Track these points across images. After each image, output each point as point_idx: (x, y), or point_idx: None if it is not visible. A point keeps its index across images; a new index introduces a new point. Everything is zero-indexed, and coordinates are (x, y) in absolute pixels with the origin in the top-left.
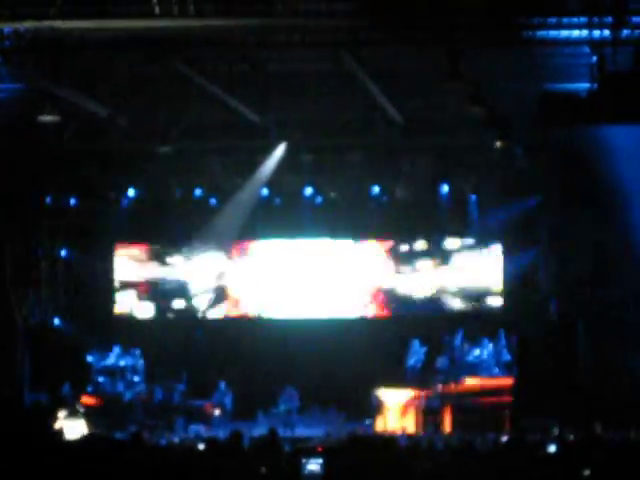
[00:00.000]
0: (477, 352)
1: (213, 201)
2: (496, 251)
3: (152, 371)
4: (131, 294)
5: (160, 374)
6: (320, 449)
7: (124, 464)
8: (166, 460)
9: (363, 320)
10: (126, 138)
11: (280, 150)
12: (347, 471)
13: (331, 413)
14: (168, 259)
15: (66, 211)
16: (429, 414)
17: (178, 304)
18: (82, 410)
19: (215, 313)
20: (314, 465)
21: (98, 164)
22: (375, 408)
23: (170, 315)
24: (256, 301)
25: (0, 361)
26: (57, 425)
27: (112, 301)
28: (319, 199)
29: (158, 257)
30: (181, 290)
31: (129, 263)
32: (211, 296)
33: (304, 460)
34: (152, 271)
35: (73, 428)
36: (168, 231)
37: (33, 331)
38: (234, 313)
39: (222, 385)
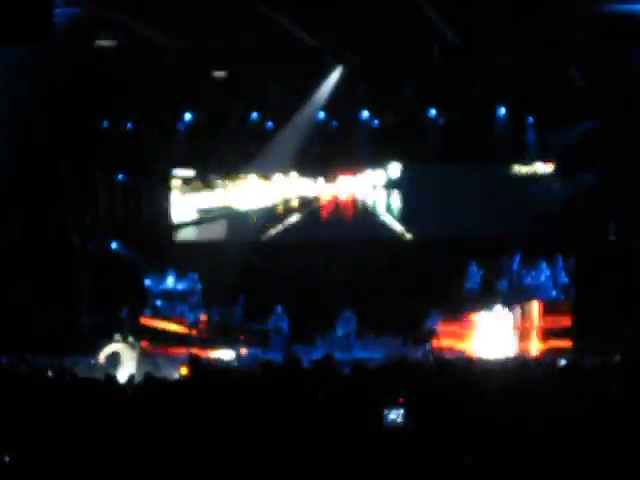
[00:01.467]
0: (535, 275)
1: (269, 125)
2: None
3: (210, 295)
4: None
5: (217, 298)
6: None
7: (182, 391)
8: (224, 383)
9: (420, 243)
10: (181, 62)
11: (336, 74)
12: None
13: (388, 337)
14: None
15: (122, 135)
16: None
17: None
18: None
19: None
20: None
21: (154, 88)
22: (432, 332)
23: (226, 239)
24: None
25: (58, 285)
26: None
27: (169, 225)
28: (375, 123)
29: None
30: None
31: (184, 187)
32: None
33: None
34: (206, 197)
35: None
36: (224, 155)
37: (91, 255)
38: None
39: (279, 309)
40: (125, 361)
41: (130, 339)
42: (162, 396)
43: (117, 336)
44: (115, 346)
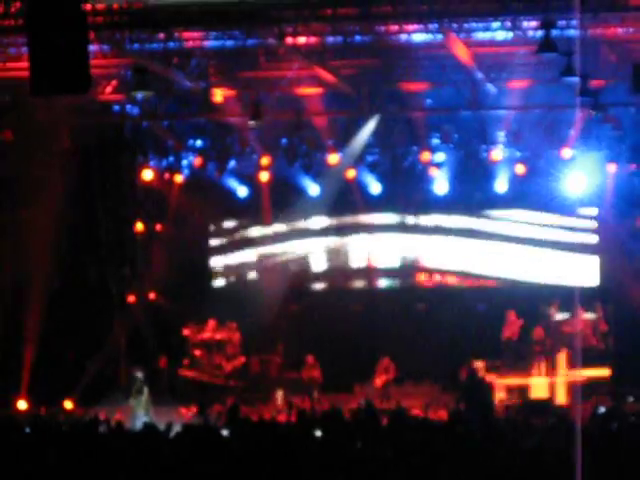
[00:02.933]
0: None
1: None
2: None
3: (248, 344)
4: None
5: (256, 347)
6: None
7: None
8: (261, 434)
9: (458, 289)
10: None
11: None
12: None
13: (426, 385)
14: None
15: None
16: None
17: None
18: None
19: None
20: None
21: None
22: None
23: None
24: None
25: (96, 335)
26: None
27: (208, 275)
28: None
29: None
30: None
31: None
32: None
33: None
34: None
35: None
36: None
37: (129, 306)
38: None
39: (310, 358)
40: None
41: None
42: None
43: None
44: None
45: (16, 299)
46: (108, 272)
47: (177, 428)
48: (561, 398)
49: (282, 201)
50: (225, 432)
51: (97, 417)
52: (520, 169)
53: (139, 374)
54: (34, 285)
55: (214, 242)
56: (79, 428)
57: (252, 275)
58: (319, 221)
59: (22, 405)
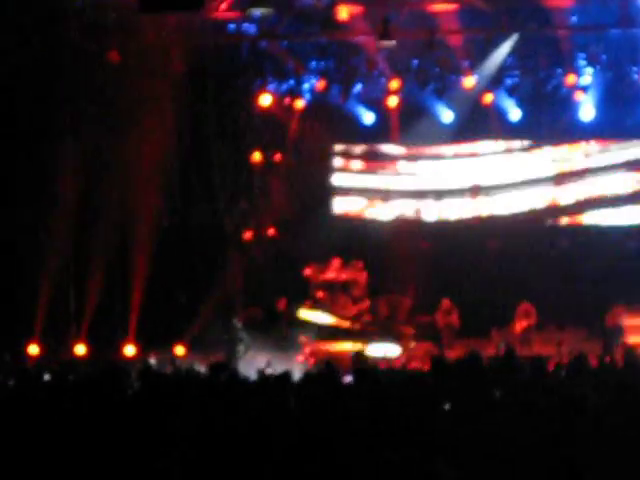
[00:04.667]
0: None
1: None
2: None
3: (375, 285)
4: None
5: (384, 288)
6: None
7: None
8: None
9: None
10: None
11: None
12: None
13: (569, 330)
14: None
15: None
16: None
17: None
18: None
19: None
20: None
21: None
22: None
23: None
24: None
25: (209, 277)
26: None
27: (332, 209)
28: None
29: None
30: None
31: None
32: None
33: None
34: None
35: None
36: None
37: (245, 243)
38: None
39: (446, 302)
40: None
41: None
42: None
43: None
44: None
45: (123, 238)
46: (222, 207)
47: (296, 376)
48: None
49: (412, 128)
50: (348, 379)
51: (220, 363)
52: None
53: (238, 323)
54: (142, 222)
55: (338, 175)
56: (194, 376)
57: (379, 210)
58: (453, 149)
59: (130, 351)
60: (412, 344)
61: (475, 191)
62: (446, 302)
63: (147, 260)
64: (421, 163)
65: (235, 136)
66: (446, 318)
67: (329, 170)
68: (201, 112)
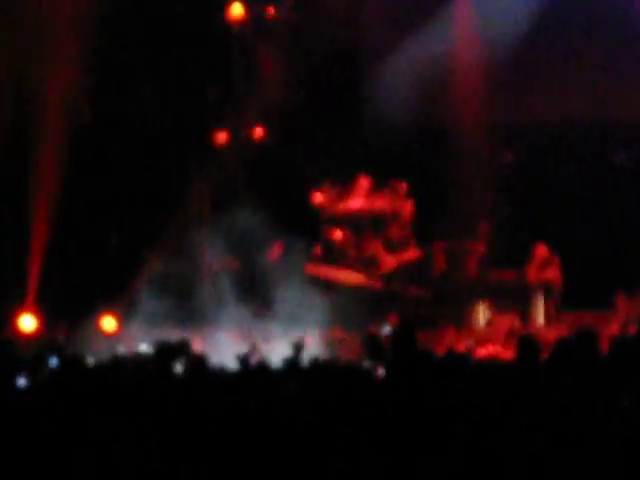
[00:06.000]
0: None
1: None
2: None
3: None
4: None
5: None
6: None
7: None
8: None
9: None
10: None
11: None
12: None
13: None
14: None
15: None
16: None
17: None
18: None
19: None
20: None
21: None
22: None
23: None
24: None
25: (162, 199)
26: None
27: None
28: None
29: None
30: None
31: None
32: None
33: None
34: None
35: None
36: None
37: (218, 149)
38: None
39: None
40: None
41: None
42: None
43: None
44: None
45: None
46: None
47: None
48: None
49: None
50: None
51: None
52: None
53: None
54: (49, 113)
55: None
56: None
57: None
58: None
59: (27, 324)
60: (486, 315)
61: None
62: (541, 249)
63: (54, 177)
64: None
65: None
66: (542, 274)
67: (358, 28)
68: None
